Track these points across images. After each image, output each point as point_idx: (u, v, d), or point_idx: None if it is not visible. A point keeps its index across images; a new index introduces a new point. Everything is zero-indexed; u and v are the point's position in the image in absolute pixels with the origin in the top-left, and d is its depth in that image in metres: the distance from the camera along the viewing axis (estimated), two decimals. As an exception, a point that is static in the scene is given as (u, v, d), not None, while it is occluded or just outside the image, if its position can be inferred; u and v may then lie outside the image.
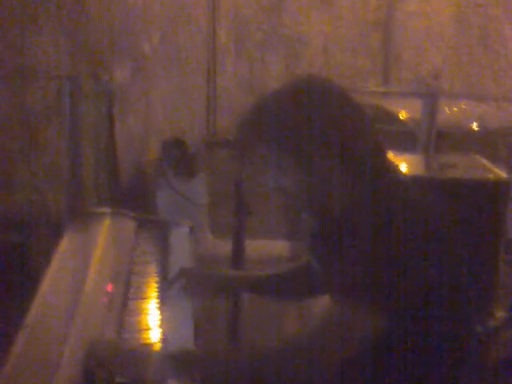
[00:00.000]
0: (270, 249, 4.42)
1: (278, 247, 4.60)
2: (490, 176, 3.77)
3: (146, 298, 2.22)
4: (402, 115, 6.43)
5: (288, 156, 1.74)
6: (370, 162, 1.74)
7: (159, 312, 2.13)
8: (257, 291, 2.34)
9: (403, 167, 3.82)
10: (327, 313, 1.70)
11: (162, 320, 2.08)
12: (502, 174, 3.75)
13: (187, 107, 6.97)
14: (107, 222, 2.71)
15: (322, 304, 1.88)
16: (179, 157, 4.67)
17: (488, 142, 5.63)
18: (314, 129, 1.69)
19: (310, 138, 1.69)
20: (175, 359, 1.72)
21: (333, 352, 1.66)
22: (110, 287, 2.14)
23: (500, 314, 3.57)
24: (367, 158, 1.74)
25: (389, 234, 1.64)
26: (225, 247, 3.06)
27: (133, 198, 4.93)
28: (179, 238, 2.74)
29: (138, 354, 1.73)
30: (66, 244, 2.38)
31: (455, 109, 6.51)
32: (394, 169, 1.86)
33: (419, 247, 1.65)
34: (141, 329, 2.03)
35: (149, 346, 1.87)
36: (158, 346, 1.90)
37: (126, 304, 2.16)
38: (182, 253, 2.60)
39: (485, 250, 3.53)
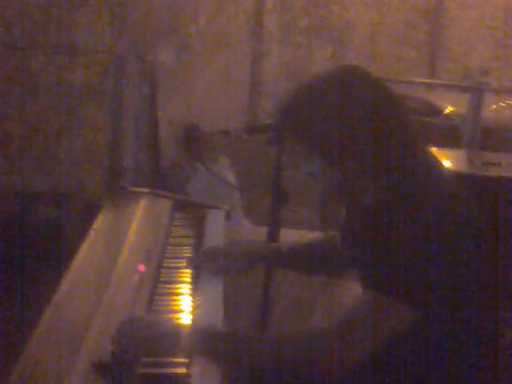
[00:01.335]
0: (303, 239, 4.39)
1: (311, 237, 4.57)
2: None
3: (177, 281, 2.20)
4: (447, 109, 6.35)
5: (316, 151, 1.72)
6: (402, 157, 1.71)
7: (190, 295, 2.12)
8: (285, 264, 2.36)
9: (446, 162, 3.76)
10: (359, 304, 1.68)
11: (193, 304, 2.06)
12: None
13: (231, 91, 6.96)
14: (143, 201, 2.71)
15: (352, 294, 1.86)
16: (199, 142, 4.68)
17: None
18: (345, 122, 1.67)
19: (339, 133, 1.67)
20: (203, 338, 1.72)
21: (363, 344, 1.64)
22: (141, 267, 2.13)
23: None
24: (399, 153, 1.70)
25: (422, 227, 1.61)
26: (259, 233, 3.05)
27: (171, 180, 4.94)
28: (215, 221, 2.73)
29: (165, 332, 1.72)
30: (101, 222, 2.38)
31: (502, 104, 6.41)
32: (434, 163, 1.82)
33: (454, 244, 1.62)
34: (170, 311, 2.02)
35: (177, 325, 1.84)
36: (186, 326, 1.88)
37: (157, 285, 2.15)
38: (217, 236, 2.59)
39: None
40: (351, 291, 3.56)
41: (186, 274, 2.24)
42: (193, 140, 4.77)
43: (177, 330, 1.75)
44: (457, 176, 1.87)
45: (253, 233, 4.30)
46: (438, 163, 1.84)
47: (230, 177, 4.69)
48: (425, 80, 7.57)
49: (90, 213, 2.56)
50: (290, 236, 3.24)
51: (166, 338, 1.70)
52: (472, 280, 1.66)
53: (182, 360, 1.70)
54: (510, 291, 2.02)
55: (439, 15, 8.69)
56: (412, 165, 1.72)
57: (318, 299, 3.83)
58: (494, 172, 3.79)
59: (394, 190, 1.71)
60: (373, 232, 1.72)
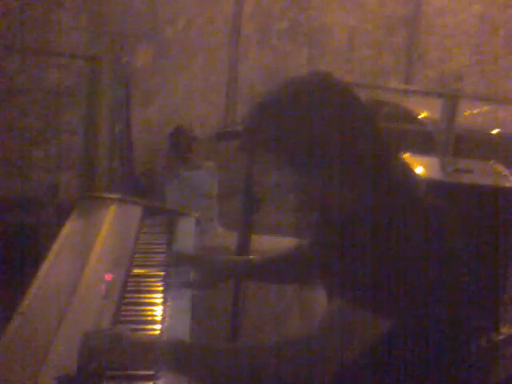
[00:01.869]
0: (275, 244, 4.39)
1: (284, 243, 4.57)
2: (506, 183, 3.73)
3: (145, 290, 2.20)
4: (422, 115, 6.38)
5: (284, 159, 1.71)
6: (371, 163, 1.71)
7: (158, 305, 2.12)
8: (256, 276, 2.34)
9: (419, 169, 3.78)
10: (330, 314, 1.68)
11: (161, 314, 2.06)
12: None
13: (209, 95, 6.94)
14: (114, 207, 2.70)
15: (323, 303, 1.86)
16: (184, 146, 4.64)
17: (508, 148, 5.56)
18: (313, 131, 1.66)
19: (308, 141, 1.66)
20: (171, 350, 1.70)
21: (334, 354, 1.64)
22: (108, 276, 2.12)
23: (505, 329, 3.54)
24: (368, 159, 1.70)
25: (394, 236, 1.62)
26: (232, 239, 3.04)
27: (145, 185, 4.93)
28: (185, 228, 2.73)
29: (133, 344, 1.71)
30: (69, 228, 2.37)
31: (475, 111, 6.44)
32: (407, 171, 1.82)
33: (424, 250, 1.63)
34: (138, 321, 2.02)
35: (143, 337, 1.83)
36: (154, 338, 1.88)
37: (124, 295, 2.14)
38: (187, 244, 2.58)
39: (494, 261, 3.49)
40: (322, 299, 3.58)
41: (155, 283, 2.24)
42: (177, 144, 4.73)
43: (144, 342, 1.73)
44: (429, 183, 1.88)
45: (226, 240, 4.29)
46: (410, 171, 1.84)
47: (211, 184, 4.66)
48: (399, 86, 7.59)
49: (62, 218, 2.55)
50: (262, 242, 3.24)
51: (132, 350, 1.68)
52: (442, 287, 1.66)
53: (148, 373, 1.69)
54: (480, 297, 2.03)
55: (417, 22, 8.73)
56: (383, 174, 1.72)
57: (291, 308, 3.83)
58: (466, 179, 3.81)
59: (363, 199, 1.70)
60: (341, 242, 1.71)
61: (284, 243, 4.54)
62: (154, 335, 1.93)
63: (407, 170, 1.82)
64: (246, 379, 1.68)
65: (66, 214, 2.62)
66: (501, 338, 3.47)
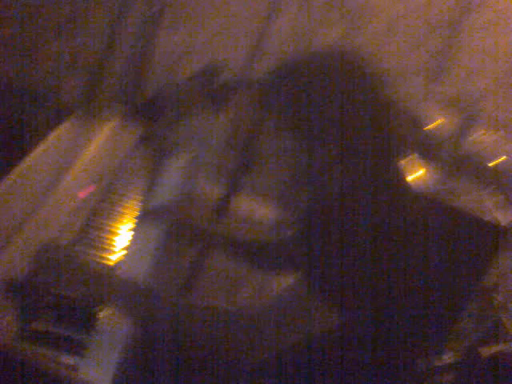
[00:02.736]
0: (255, 209, 4.34)
1: (264, 210, 4.53)
2: (487, 219, 3.68)
3: (116, 217, 2.14)
4: (431, 125, 6.30)
5: (298, 126, 1.67)
6: (381, 156, 1.68)
7: (123, 236, 2.06)
8: (233, 252, 2.29)
9: (415, 176, 3.73)
10: (290, 292, 1.65)
11: (124, 246, 2.01)
12: (500, 221, 3.65)
13: (236, 42, 6.84)
14: (112, 122, 2.61)
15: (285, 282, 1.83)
16: (213, 84, 4.48)
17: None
18: (329, 104, 1.62)
19: (326, 114, 1.62)
20: (124, 287, 1.68)
21: (284, 334, 1.61)
22: (83, 193, 2.05)
23: (447, 356, 3.53)
24: (375, 146, 1.67)
25: (374, 235, 1.59)
26: (215, 191, 3.00)
27: (152, 110, 4.83)
28: (177, 164, 2.66)
29: (87, 270, 1.66)
30: (60, 132, 2.28)
31: (481, 134, 6.36)
32: (404, 174, 1.78)
33: (397, 255, 1.61)
34: (99, 247, 1.97)
35: (100, 266, 1.79)
36: (109, 271, 1.83)
37: (94, 217, 2.09)
38: (173, 180, 2.52)
39: (459, 289, 3.46)
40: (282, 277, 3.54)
41: (127, 213, 2.18)
42: (210, 81, 4.56)
43: (98, 271, 1.69)
44: (420, 195, 1.84)
45: (210, 189, 4.23)
46: (405, 174, 1.80)
47: (215, 132, 4.56)
48: (422, 89, 7.47)
49: (61, 119, 2.47)
50: (241, 204, 3.20)
51: (84, 275, 1.65)
52: (402, 296, 1.65)
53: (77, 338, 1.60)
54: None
55: (459, 27, 8.60)
56: (387, 167, 1.69)
57: (248, 278, 3.79)
58: (455, 202, 3.76)
59: (356, 186, 1.66)
60: (326, 227, 1.67)
61: (264, 210, 4.52)
62: (109, 267, 1.89)
63: (404, 172, 1.77)
64: (184, 333, 1.67)
65: (66, 115, 2.54)
66: (440, 364, 3.47)
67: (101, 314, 1.66)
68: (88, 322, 1.63)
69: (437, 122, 6.23)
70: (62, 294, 1.67)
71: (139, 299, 1.67)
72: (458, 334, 3.63)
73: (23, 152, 2.06)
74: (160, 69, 5.20)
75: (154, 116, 4.79)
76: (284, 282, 1.86)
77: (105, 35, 4.02)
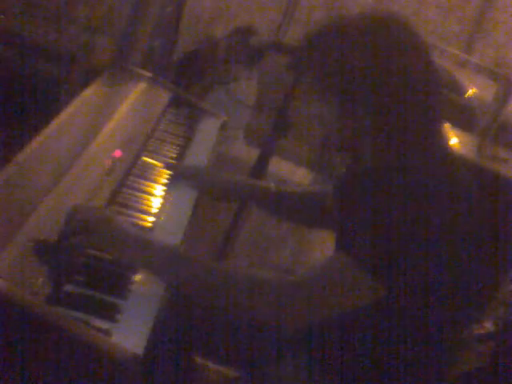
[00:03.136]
0: (292, 173, 4.28)
1: (300, 174, 4.46)
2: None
3: (149, 179, 2.08)
4: (471, 91, 6.17)
5: (333, 93, 1.58)
6: (420, 130, 1.58)
7: (158, 197, 2.00)
8: (268, 206, 2.21)
9: (455, 144, 3.63)
10: (329, 263, 1.55)
11: (158, 209, 1.94)
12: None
13: (265, 7, 6.77)
14: (142, 85, 2.55)
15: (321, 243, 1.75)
16: (249, 45, 4.35)
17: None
18: (374, 75, 1.52)
19: (363, 82, 1.53)
20: (159, 251, 1.60)
21: (319, 304, 1.53)
22: (118, 152, 1.99)
23: (487, 324, 3.46)
24: (419, 125, 1.57)
25: (413, 210, 1.49)
26: (251, 155, 2.92)
27: (182, 72, 4.75)
28: (209, 128, 2.59)
29: (120, 232, 1.59)
30: (89, 94, 2.21)
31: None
32: (447, 145, 1.68)
33: (443, 232, 1.52)
34: (133, 208, 1.90)
35: (134, 229, 1.70)
36: (143, 235, 1.76)
37: (128, 177, 2.02)
38: (204, 144, 2.45)
39: (497, 257, 3.36)
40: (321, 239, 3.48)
41: (161, 174, 2.12)
42: (243, 43, 4.46)
43: (132, 234, 1.61)
44: (463, 162, 1.74)
45: (244, 153, 4.17)
46: (448, 144, 1.70)
47: (248, 95, 4.47)
48: (460, 54, 7.31)
49: (90, 80, 2.41)
50: (279, 167, 3.13)
51: (117, 238, 1.58)
52: (449, 273, 1.56)
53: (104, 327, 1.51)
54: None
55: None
56: (423, 136, 1.59)
57: (287, 239, 3.74)
58: (501, 169, 3.65)
59: (394, 157, 1.58)
60: (362, 199, 1.57)
61: (300, 174, 4.45)
62: (144, 230, 1.82)
63: (446, 142, 1.68)
64: (217, 300, 1.60)
65: (95, 76, 2.47)
66: (481, 332, 3.40)
67: (135, 278, 1.60)
68: (122, 285, 1.57)
69: (472, 91, 6.12)
70: (95, 255, 1.61)
71: (174, 264, 1.59)
72: (499, 302, 3.56)
73: (54, 114, 2.00)
74: (190, 33, 5.13)
75: (187, 76, 4.71)
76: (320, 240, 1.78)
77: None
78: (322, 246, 3.43)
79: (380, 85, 1.52)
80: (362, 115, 1.56)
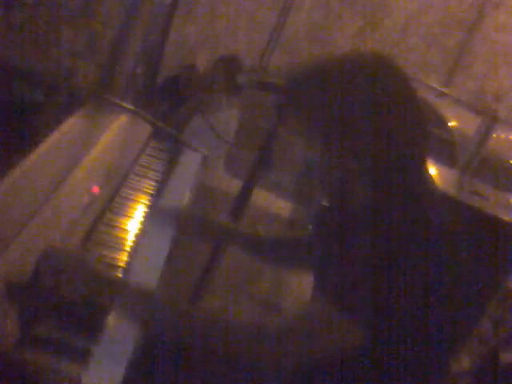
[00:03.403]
0: (272, 204, 4.26)
1: (280, 206, 4.44)
2: (507, 218, 3.57)
3: (127, 216, 2.04)
4: (452, 124, 6.19)
5: (319, 136, 1.55)
6: (409, 169, 1.57)
7: (136, 235, 1.96)
8: (249, 250, 2.17)
9: (436, 179, 3.61)
10: (308, 307, 1.54)
11: (136, 246, 1.91)
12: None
13: (250, 34, 6.77)
14: (123, 118, 2.52)
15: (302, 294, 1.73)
16: (232, 75, 4.33)
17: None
18: (362, 116, 1.50)
19: (351, 124, 1.50)
20: (134, 294, 1.57)
21: (304, 351, 1.51)
22: (96, 188, 1.96)
23: (465, 362, 3.45)
24: (409, 164, 1.56)
25: (400, 249, 1.48)
26: (231, 184, 2.89)
27: (161, 102, 4.75)
28: (190, 162, 2.56)
29: (94, 276, 1.56)
30: (70, 125, 2.17)
31: (502, 136, 6.24)
32: (429, 180, 1.67)
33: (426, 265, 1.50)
34: (110, 247, 1.87)
35: (109, 273, 1.68)
36: (118, 273, 1.73)
37: (104, 215, 1.99)
38: (185, 180, 2.42)
39: (478, 296, 3.35)
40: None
41: (139, 211, 2.08)
42: (226, 74, 4.42)
43: (107, 278, 1.59)
44: (443, 197, 1.73)
45: (226, 184, 4.14)
46: (433, 182, 1.69)
47: (230, 128, 4.44)
48: (440, 88, 7.35)
49: (72, 106, 2.38)
50: (258, 198, 3.09)
51: (91, 282, 1.55)
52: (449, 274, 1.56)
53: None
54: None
55: (474, 31, 8.49)
56: (414, 180, 1.58)
57: (265, 270, 3.70)
58: (480, 205, 3.65)
59: (382, 198, 1.56)
60: (344, 238, 1.56)
61: (280, 206, 4.43)
62: (117, 269, 1.79)
63: (431, 180, 1.67)
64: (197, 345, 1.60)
65: (76, 103, 2.44)
66: (458, 370, 3.39)
67: (107, 320, 1.56)
68: (93, 328, 1.53)
69: (454, 122, 6.13)
70: (65, 297, 1.57)
71: (147, 306, 1.56)
72: (477, 338, 3.55)
73: (34, 143, 1.97)
74: (173, 59, 5.12)
75: (167, 102, 4.69)
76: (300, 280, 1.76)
77: (118, 25, 3.94)
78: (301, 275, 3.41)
79: (366, 128, 1.50)
80: (347, 158, 1.54)
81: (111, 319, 1.56)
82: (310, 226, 1.92)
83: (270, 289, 3.65)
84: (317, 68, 1.58)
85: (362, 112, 1.50)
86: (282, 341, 1.51)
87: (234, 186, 2.71)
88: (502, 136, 6.23)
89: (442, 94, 7.25)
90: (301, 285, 3.50)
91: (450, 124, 6.16)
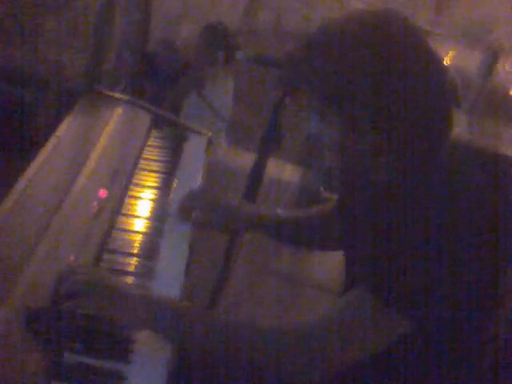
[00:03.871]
0: (282, 171, 4.18)
1: (288, 171, 4.36)
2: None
3: (140, 216, 1.95)
4: (447, 56, 6.06)
5: (332, 111, 1.42)
6: (432, 141, 1.43)
7: (153, 235, 1.87)
8: (268, 232, 2.07)
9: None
10: (344, 304, 1.44)
11: (154, 246, 1.81)
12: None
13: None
14: (120, 110, 2.40)
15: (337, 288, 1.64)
16: (221, 43, 4.19)
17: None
18: (380, 83, 1.35)
19: (369, 93, 1.36)
20: (155, 310, 1.49)
21: (337, 353, 1.42)
22: (103, 193, 1.86)
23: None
24: (431, 136, 1.42)
25: (435, 229, 1.36)
26: (240, 160, 2.80)
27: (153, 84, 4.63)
28: (196, 146, 2.46)
29: (113, 291, 1.49)
30: (66, 129, 2.06)
31: (506, 67, 6.11)
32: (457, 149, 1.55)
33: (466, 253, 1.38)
34: (127, 252, 1.77)
35: (133, 290, 1.57)
36: (138, 285, 1.65)
37: (116, 219, 1.89)
38: (194, 165, 2.32)
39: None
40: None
41: (151, 210, 1.99)
42: (217, 40, 4.27)
43: (131, 293, 1.51)
44: (455, 145, 1.61)
45: (236, 162, 4.04)
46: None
47: (227, 103, 4.32)
48: (429, 29, 7.19)
49: (65, 102, 2.28)
50: (275, 168, 3.00)
51: (116, 299, 1.47)
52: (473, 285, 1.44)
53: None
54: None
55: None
56: (439, 151, 1.45)
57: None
58: (494, 147, 3.54)
59: (413, 175, 1.44)
60: (376, 223, 1.45)
61: (288, 171, 4.35)
62: (142, 288, 1.68)
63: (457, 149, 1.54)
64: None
65: (67, 95, 2.34)
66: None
67: (137, 338, 1.47)
68: (124, 348, 1.44)
69: (450, 54, 6.00)
70: (92, 319, 1.49)
71: (174, 321, 1.49)
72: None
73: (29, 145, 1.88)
74: (158, 33, 5.00)
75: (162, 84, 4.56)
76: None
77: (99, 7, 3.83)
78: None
79: (386, 92, 1.36)
80: (365, 131, 1.42)
81: (141, 336, 1.48)
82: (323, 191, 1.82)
83: (290, 261, 3.58)
84: (325, 35, 1.45)
85: (386, 78, 1.36)
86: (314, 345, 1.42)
87: (239, 156, 2.61)
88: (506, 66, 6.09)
89: (428, 33, 7.12)
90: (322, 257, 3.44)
91: (444, 58, 6.04)
